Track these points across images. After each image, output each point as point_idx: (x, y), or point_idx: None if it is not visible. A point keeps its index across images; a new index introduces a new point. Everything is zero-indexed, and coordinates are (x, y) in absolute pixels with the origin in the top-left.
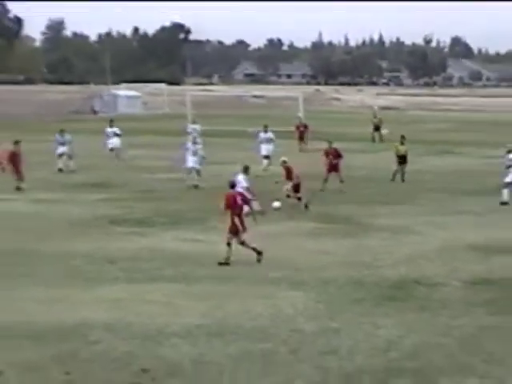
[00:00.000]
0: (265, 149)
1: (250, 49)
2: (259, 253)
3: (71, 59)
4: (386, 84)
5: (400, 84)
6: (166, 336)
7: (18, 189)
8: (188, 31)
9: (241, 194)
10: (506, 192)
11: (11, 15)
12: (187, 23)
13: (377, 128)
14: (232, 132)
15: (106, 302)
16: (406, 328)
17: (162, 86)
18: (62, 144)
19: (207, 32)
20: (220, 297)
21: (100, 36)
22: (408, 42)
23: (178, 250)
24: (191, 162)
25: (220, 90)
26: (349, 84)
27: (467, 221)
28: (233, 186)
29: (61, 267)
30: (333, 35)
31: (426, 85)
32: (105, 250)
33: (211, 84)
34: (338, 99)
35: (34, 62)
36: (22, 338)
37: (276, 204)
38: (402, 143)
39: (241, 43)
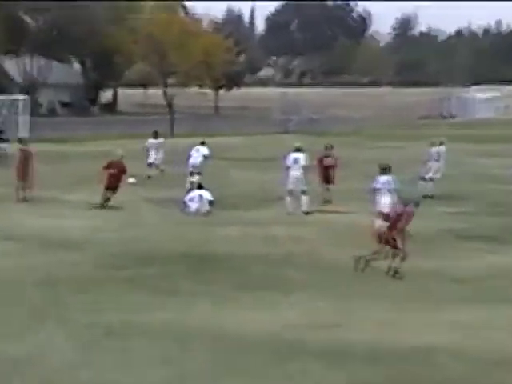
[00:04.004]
0: None
1: None
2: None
3: (421, 59)
4: None
5: None
6: None
7: None
8: None
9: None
10: None
11: (355, 14)
12: None
13: None
14: None
15: (449, 324)
16: None
17: None
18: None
19: None
20: None
21: (454, 34)
22: None
23: None
24: None
25: None
26: None
27: None
28: None
29: (404, 284)
30: None
31: None
32: (451, 267)
33: None
34: None
35: (380, 62)
36: (361, 358)
37: (131, 180)
38: None
39: None
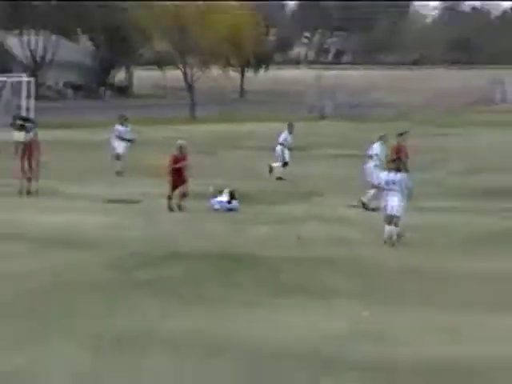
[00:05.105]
0: None
1: None
2: None
3: (471, 39)
4: None
5: None
6: None
7: None
8: None
9: None
10: None
11: None
12: None
13: None
14: None
15: None
16: None
17: None
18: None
19: None
20: None
21: (505, 11)
22: None
23: None
24: None
25: None
26: None
27: None
28: None
29: (462, 289)
30: None
31: None
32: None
33: None
34: None
35: (428, 40)
36: (409, 375)
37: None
38: None
39: None
